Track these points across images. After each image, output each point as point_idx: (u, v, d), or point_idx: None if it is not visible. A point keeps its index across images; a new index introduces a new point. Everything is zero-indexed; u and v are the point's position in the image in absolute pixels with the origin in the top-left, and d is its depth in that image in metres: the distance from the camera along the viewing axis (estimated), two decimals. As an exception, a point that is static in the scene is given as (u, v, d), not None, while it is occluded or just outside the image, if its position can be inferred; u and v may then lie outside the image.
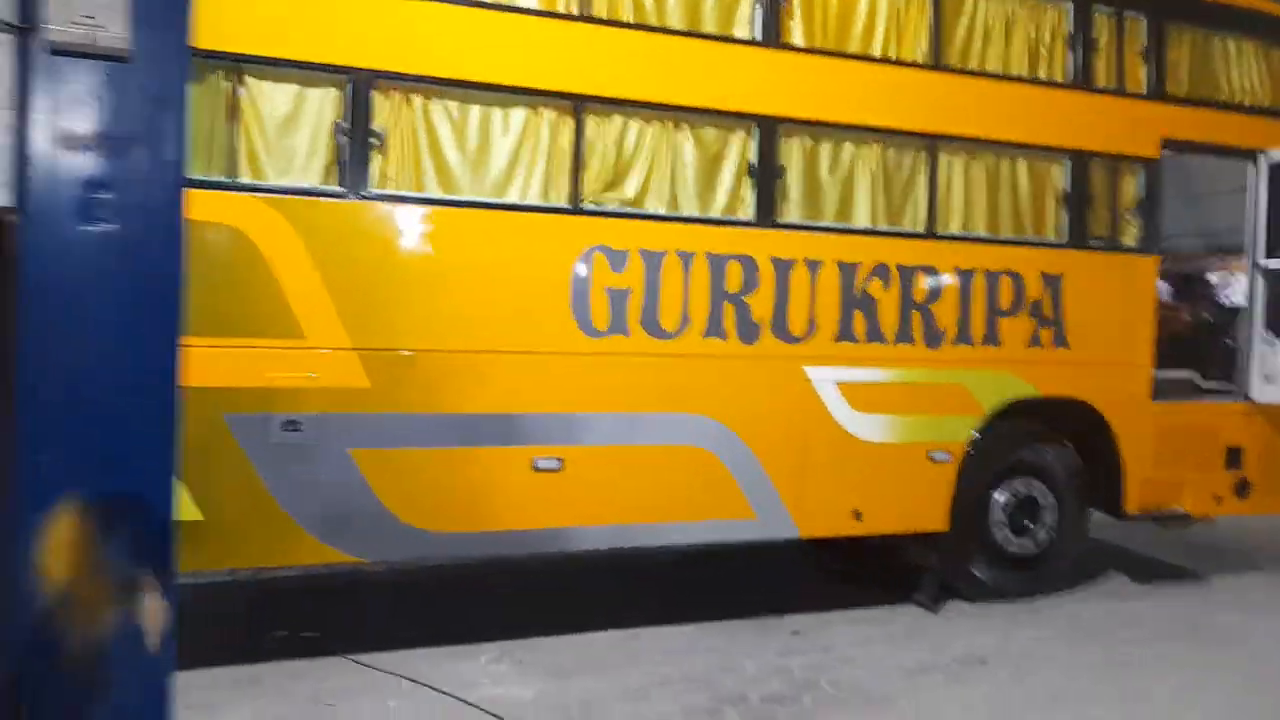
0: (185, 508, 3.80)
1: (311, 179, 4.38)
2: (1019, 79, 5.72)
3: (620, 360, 4.84)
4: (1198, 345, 6.67)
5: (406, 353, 4.48)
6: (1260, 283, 6.25)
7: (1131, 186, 5.95)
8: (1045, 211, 5.80)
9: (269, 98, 4.30)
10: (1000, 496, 5.80)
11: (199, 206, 3.57)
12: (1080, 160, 5.79)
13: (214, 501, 4.11)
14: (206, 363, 3.94)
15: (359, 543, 4.52)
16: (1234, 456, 6.24)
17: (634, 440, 4.90)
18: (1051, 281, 5.71)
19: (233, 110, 4.24)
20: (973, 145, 5.60)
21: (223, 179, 4.20)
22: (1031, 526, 5.88)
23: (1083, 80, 5.84)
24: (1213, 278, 6.76)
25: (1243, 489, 6.27)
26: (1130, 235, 5.97)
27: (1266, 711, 4.39)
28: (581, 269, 4.75)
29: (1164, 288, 7.04)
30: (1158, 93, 5.99)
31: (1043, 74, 5.80)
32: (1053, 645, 5.18)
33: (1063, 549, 6.00)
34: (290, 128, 4.34)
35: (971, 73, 5.61)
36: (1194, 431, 6.16)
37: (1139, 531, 7.39)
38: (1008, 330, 5.62)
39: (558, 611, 5.39)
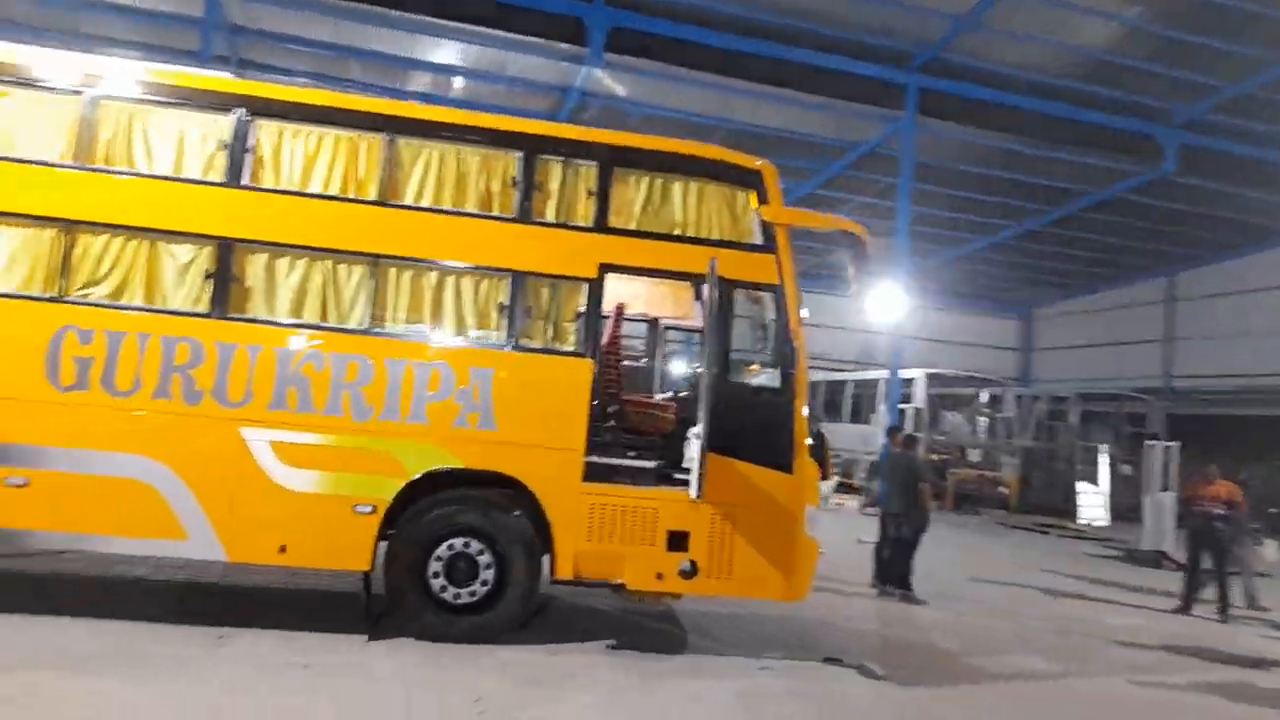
0: None
1: None
2: (459, 213, 7.14)
3: (81, 409, 6.58)
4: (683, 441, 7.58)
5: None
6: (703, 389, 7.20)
7: (571, 301, 7.13)
8: (485, 317, 7.07)
9: None
10: (437, 550, 6.96)
11: None
12: (519, 279, 7.05)
13: None
14: None
15: None
16: (678, 540, 7.05)
17: (88, 470, 6.58)
18: (481, 375, 6.95)
19: None
20: (414, 264, 7.04)
21: None
22: (471, 581, 6.99)
23: (524, 214, 7.15)
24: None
25: (689, 571, 7.06)
26: (568, 341, 7.11)
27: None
28: (57, 341, 6.58)
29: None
30: (600, 225, 7.19)
31: (493, 209, 7.18)
32: (416, 670, 6.28)
33: (511, 603, 7.01)
34: None
35: (411, 207, 7.10)
36: (633, 513, 7.05)
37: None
38: (435, 411, 6.89)
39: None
